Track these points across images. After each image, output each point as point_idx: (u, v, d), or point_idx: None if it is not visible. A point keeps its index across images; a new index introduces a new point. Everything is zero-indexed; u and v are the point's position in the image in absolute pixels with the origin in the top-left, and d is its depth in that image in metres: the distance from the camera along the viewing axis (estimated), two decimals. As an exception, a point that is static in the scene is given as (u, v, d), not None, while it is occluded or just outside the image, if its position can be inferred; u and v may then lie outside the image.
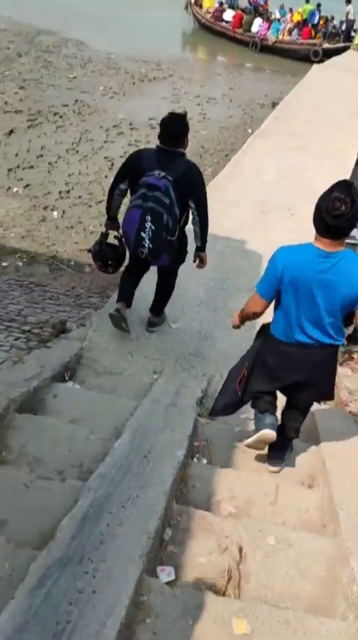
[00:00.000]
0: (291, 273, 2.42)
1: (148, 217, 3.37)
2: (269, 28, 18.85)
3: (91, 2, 20.16)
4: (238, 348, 3.52)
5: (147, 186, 3.36)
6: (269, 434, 2.72)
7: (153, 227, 3.38)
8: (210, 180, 7.14)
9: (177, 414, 3.01)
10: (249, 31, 19.18)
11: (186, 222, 3.71)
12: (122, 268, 4.01)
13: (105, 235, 3.95)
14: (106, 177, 8.00)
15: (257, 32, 18.99)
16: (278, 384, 2.75)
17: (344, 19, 18.98)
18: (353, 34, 18.27)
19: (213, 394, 3.26)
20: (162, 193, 3.34)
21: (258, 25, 19.09)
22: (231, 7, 20.51)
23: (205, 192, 3.60)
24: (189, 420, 2.98)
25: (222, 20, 19.98)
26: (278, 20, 19.19)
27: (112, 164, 8.56)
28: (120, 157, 8.26)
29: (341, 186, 2.27)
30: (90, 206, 7.52)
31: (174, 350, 4.00)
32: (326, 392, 2.75)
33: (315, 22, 18.73)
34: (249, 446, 2.87)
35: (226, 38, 19.64)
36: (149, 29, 19.53)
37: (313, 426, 3.23)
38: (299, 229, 5.03)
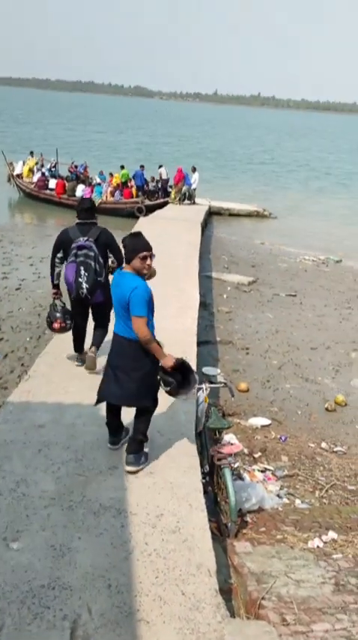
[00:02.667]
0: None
1: (81, 267, 4.98)
2: (92, 191, 19.85)
3: None
4: (105, 560, 2.44)
5: (77, 247, 5.01)
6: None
7: (86, 273, 4.98)
8: (42, 348, 6.34)
9: None
10: (74, 195, 20.00)
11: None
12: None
13: (54, 304, 5.57)
14: None
15: (81, 196, 19.85)
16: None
17: (158, 178, 20.78)
18: (169, 189, 19.93)
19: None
20: (88, 250, 5.01)
21: (81, 190, 20.05)
22: (53, 176, 21.53)
23: (116, 243, 4.94)
24: None
25: (47, 188, 20.73)
26: (100, 184, 20.39)
27: None
28: None
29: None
30: None
31: (17, 587, 2.76)
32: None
33: (141, 183, 20.19)
34: None
35: (53, 204, 20.28)
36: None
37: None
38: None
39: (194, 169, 19.75)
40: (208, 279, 11.99)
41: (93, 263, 4.97)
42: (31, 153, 23.10)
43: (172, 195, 19.32)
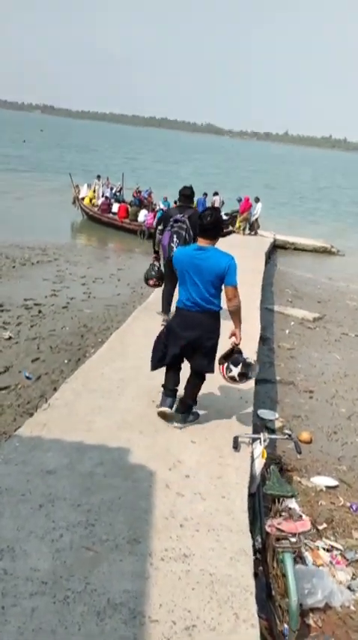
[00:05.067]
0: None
1: (174, 235, 6.50)
2: (154, 217, 19.36)
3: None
4: None
5: (174, 220, 6.53)
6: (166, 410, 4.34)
7: (177, 240, 6.48)
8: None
9: None
10: (136, 220, 19.62)
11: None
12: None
13: (152, 265, 7.14)
14: None
15: (144, 221, 19.44)
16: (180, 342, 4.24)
17: (209, 205, 20.01)
18: (224, 217, 19.18)
19: None
20: (181, 223, 6.49)
21: (143, 215, 19.65)
22: (117, 200, 21.25)
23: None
24: None
25: (110, 212, 20.46)
26: (163, 210, 19.86)
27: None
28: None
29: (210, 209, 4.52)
30: None
31: None
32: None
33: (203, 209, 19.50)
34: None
35: (114, 228, 19.95)
36: (38, 220, 19.66)
37: None
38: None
39: (257, 200, 18.92)
40: (269, 312, 10.96)
41: (184, 233, 6.44)
42: (98, 177, 23.01)
43: (237, 224, 18.51)
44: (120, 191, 22.47)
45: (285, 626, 3.14)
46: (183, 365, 4.50)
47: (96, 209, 20.92)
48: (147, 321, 7.13)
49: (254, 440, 4.09)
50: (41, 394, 6.31)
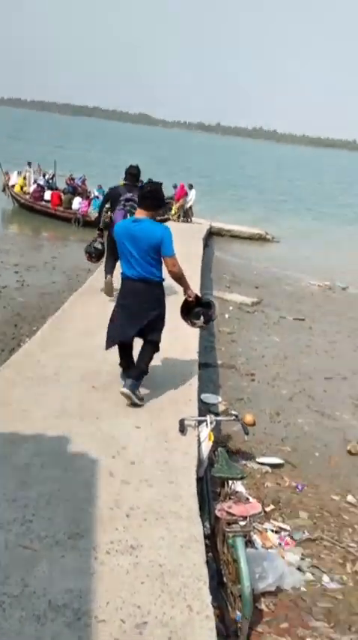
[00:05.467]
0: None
1: (128, 214, 6.40)
2: (89, 205, 18.87)
3: None
4: None
5: (125, 199, 6.67)
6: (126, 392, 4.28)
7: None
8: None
9: None
10: (70, 208, 19.07)
11: None
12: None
13: (94, 240, 7.73)
14: None
15: (78, 209, 18.91)
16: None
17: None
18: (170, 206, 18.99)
19: None
20: (133, 202, 6.32)
21: (77, 202, 19.11)
22: (50, 187, 20.54)
23: None
24: None
25: (42, 200, 19.76)
26: (97, 197, 19.36)
27: None
28: None
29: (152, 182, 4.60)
30: None
31: None
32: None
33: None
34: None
35: (48, 216, 19.30)
36: None
37: None
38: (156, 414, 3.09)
39: (191, 186, 18.82)
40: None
41: (135, 212, 6.91)
42: (29, 163, 22.13)
43: (173, 211, 18.35)
44: (52, 178, 21.74)
45: (238, 613, 3.02)
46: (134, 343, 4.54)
47: (27, 197, 20.15)
48: (85, 307, 6.84)
49: (200, 422, 3.94)
50: (-29, 386, 5.90)
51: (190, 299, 4.62)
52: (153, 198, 4.28)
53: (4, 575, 2.25)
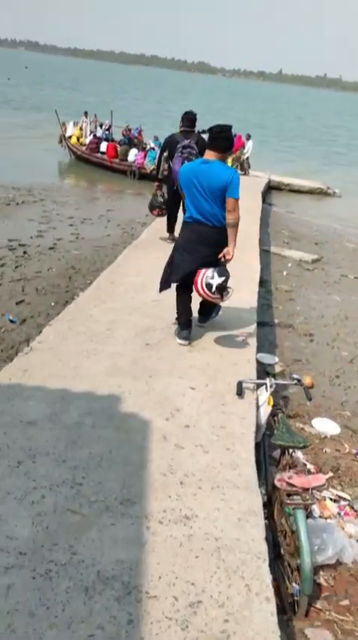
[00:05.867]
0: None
1: (186, 161, 6.14)
2: (145, 156, 18.46)
3: None
4: None
5: (183, 147, 6.61)
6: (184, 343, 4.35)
7: None
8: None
9: None
10: (126, 160, 18.73)
11: None
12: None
13: (155, 194, 7.51)
14: None
15: (133, 161, 18.56)
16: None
17: None
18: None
19: None
20: (191, 149, 6.56)
21: (133, 154, 18.74)
22: (106, 139, 20.20)
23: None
24: None
25: (99, 152, 19.49)
26: (154, 149, 18.90)
27: None
28: None
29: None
30: None
31: None
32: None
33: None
34: None
35: (104, 168, 19.06)
36: (22, 160, 18.68)
37: None
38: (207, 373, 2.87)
39: (249, 137, 18.00)
40: (266, 254, 10.44)
41: (194, 159, 6.21)
42: (85, 113, 21.78)
43: (229, 163, 17.69)
44: (109, 129, 21.36)
45: (295, 585, 2.86)
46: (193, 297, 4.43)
47: (84, 148, 19.92)
48: (139, 260, 6.63)
49: (259, 386, 3.71)
50: (26, 338, 5.86)
51: (229, 256, 4.24)
52: (223, 139, 4.06)
53: (51, 541, 2.14)
